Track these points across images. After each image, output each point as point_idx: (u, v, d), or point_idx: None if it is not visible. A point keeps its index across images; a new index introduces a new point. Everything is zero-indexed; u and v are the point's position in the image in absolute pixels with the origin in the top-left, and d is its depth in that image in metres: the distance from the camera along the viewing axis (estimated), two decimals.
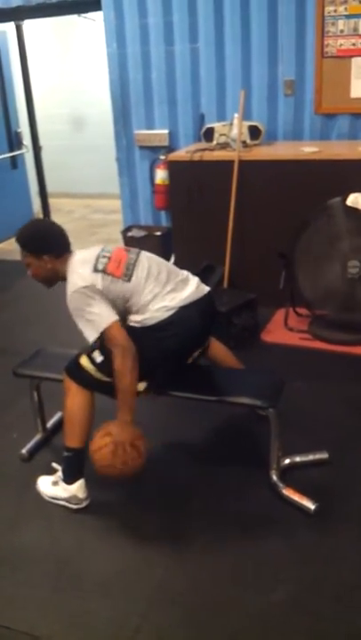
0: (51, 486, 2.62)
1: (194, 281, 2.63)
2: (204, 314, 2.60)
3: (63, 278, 2.51)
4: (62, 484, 2.57)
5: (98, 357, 2.45)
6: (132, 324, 2.48)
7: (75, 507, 2.56)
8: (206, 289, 2.66)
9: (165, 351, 2.48)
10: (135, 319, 2.47)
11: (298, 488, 2.54)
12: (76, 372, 2.52)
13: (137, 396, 2.42)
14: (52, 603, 2.16)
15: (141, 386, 2.48)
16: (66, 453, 2.54)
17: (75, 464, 2.54)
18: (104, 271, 2.42)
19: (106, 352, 2.40)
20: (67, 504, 2.57)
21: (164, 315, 2.45)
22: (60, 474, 2.59)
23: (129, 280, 2.44)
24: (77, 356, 2.54)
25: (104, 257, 2.47)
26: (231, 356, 2.98)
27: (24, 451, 2.93)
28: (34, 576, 2.28)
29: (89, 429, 2.51)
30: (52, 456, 2.84)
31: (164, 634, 2.03)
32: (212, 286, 3.72)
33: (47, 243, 2.53)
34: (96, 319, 2.35)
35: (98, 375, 2.47)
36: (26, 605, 2.16)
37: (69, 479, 2.54)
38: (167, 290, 2.49)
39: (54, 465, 2.69)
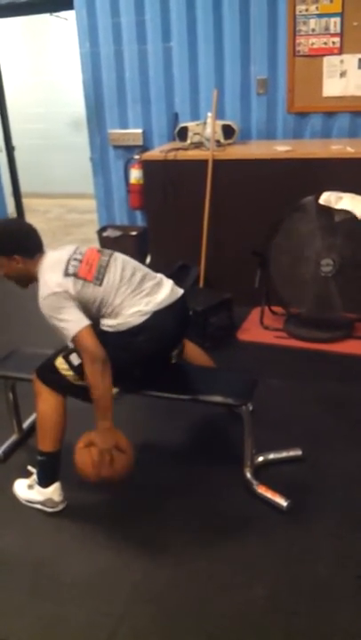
0: (26, 489, 2.61)
1: (168, 284, 2.60)
2: (178, 317, 2.58)
3: (36, 279, 2.46)
4: (37, 488, 2.56)
5: (75, 360, 2.39)
6: (105, 328, 2.44)
7: (50, 510, 2.55)
8: (180, 292, 2.63)
9: (139, 356, 2.46)
10: (108, 323, 2.43)
11: (272, 485, 2.56)
12: (48, 375, 2.49)
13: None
14: (29, 607, 2.15)
15: (113, 391, 2.49)
16: (40, 458, 2.53)
17: (49, 468, 2.53)
18: (75, 275, 2.37)
19: None
20: (42, 507, 2.56)
21: (139, 320, 2.41)
22: (35, 477, 2.58)
23: (100, 284, 2.39)
24: (52, 358, 2.51)
25: (75, 259, 2.42)
26: (205, 356, 2.97)
27: None
28: (10, 580, 2.26)
29: (62, 433, 2.50)
30: (28, 457, 2.81)
31: (141, 635, 2.03)
32: (187, 286, 3.72)
33: (18, 243, 2.47)
34: (67, 325, 2.31)
35: (73, 378, 2.44)
36: (1, 610, 2.15)
37: (44, 483, 2.54)
38: (142, 294, 2.46)
39: (30, 468, 2.66)
